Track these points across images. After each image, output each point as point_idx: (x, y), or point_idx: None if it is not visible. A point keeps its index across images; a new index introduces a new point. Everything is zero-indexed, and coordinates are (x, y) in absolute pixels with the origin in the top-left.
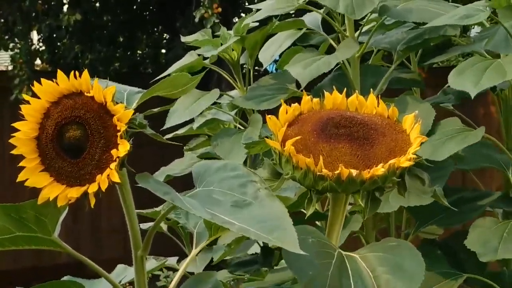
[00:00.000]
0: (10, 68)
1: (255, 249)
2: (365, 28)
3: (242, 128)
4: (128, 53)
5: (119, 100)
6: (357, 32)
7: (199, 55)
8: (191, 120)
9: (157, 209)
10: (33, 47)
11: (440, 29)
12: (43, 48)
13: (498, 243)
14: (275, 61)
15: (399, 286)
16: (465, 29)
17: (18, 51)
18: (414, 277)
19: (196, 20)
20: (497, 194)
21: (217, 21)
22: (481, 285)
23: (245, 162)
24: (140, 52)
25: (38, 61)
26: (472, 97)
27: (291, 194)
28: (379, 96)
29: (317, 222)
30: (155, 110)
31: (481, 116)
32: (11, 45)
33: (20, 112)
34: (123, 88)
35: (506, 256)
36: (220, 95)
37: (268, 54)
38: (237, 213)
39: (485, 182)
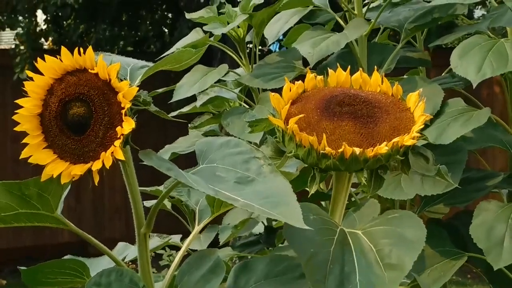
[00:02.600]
0: (12, 46)
1: (260, 229)
2: (372, 5)
3: (247, 106)
4: (132, 32)
5: (122, 75)
6: (364, 9)
7: (205, 32)
8: (195, 98)
9: (160, 187)
10: (38, 28)
11: (449, 8)
12: (49, 27)
13: (503, 233)
14: (279, 40)
15: (401, 256)
16: (470, 12)
17: (20, 29)
18: (415, 245)
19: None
20: (502, 175)
21: (223, 0)
22: (484, 264)
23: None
24: (144, 31)
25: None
26: (474, 86)
27: (293, 170)
28: (383, 74)
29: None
30: (160, 90)
31: (485, 96)
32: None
33: (23, 89)
34: (126, 63)
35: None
36: (225, 73)
37: (274, 31)
38: (240, 189)
39: (488, 162)
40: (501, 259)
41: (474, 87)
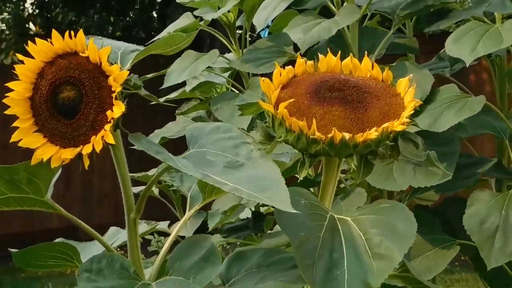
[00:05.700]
0: None
1: (247, 213)
2: None
3: (236, 91)
4: (121, 17)
5: (113, 59)
6: None
7: (196, 17)
8: (182, 84)
9: (149, 173)
10: (25, 12)
11: None
12: (36, 12)
13: (496, 225)
14: (267, 26)
15: (392, 247)
16: None
17: (7, 14)
18: (406, 238)
19: None
20: (492, 162)
21: None
22: (474, 251)
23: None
24: (133, 16)
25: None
26: (467, 65)
27: (287, 159)
28: (374, 60)
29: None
30: (149, 75)
31: (473, 83)
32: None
33: (13, 72)
34: (117, 47)
35: (504, 260)
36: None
37: (262, 17)
38: (229, 173)
39: (477, 150)
40: (491, 255)
41: (467, 65)
